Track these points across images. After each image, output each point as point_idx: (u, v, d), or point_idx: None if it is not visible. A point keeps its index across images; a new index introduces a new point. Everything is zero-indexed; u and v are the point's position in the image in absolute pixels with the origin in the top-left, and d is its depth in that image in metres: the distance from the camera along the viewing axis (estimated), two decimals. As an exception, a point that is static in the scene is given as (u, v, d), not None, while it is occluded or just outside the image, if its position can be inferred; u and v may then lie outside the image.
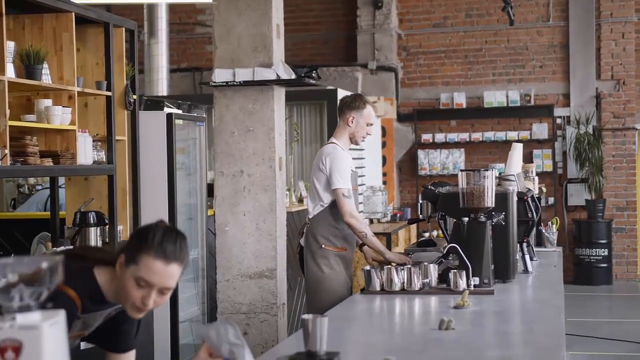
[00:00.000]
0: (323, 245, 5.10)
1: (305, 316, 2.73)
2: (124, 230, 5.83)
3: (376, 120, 5.40)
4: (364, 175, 10.28)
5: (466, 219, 4.31)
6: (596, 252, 12.09)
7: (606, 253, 12.11)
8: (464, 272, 4.13)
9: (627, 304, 11.04)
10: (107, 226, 5.56)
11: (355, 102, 5.22)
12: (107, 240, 5.58)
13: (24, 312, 1.75)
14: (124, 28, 5.85)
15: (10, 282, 1.75)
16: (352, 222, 5.00)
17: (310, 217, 5.21)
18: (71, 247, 5.11)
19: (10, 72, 4.64)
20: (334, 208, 5.08)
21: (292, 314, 7.17)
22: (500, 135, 12.50)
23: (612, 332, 8.87)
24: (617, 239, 12.40)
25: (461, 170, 4.38)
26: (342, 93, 9.78)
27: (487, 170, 4.35)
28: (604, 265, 12.13)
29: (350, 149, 5.30)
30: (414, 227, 10.93)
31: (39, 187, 8.42)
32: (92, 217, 5.40)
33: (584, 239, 12.16)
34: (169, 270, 2.55)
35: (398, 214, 10.75)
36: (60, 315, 1.78)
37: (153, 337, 5.73)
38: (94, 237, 5.38)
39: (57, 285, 2.38)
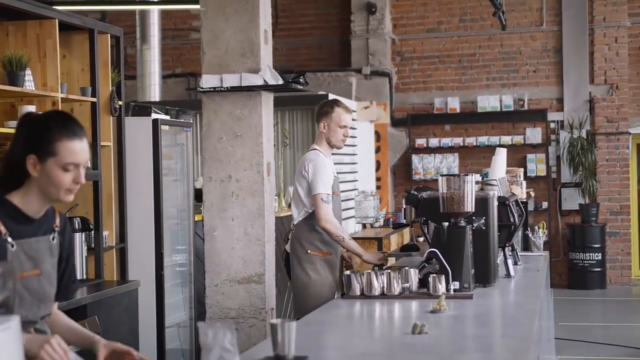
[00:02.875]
0: (309, 251, 5.16)
1: (274, 321, 2.75)
2: (109, 236, 5.85)
3: (350, 121, 5.43)
4: (357, 180, 10.30)
5: (446, 223, 4.32)
6: (590, 256, 12.09)
7: (600, 257, 12.12)
8: (444, 276, 4.14)
9: (620, 308, 11.03)
10: (92, 232, 5.58)
11: (324, 107, 5.31)
12: (92, 245, 5.59)
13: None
14: (109, 34, 5.87)
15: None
16: (327, 227, 5.07)
17: (295, 222, 5.28)
18: None
19: (-8, 78, 4.67)
20: None
21: (281, 318, 7.17)
22: (494, 139, 12.51)
23: (606, 337, 8.88)
24: (610, 243, 12.41)
25: (441, 175, 4.40)
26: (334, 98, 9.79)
27: (467, 175, 4.36)
28: (598, 269, 12.13)
29: (340, 154, 5.36)
30: (407, 231, 10.93)
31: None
32: (77, 223, 5.40)
33: (578, 243, 12.17)
34: (85, 146, 2.70)
35: (391, 219, 10.75)
36: (14, 321, 1.80)
37: (139, 342, 5.74)
38: (79, 242, 5.39)
39: None
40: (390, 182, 12.82)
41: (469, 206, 4.31)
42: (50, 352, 2.55)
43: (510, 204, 4.94)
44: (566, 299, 11.26)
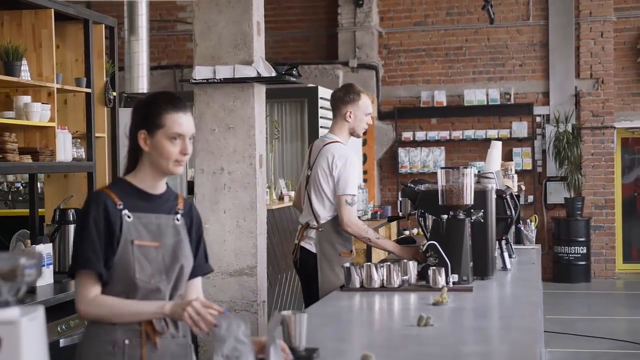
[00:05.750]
0: (341, 253, 4.93)
1: (285, 313, 2.74)
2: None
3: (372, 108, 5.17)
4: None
5: (445, 216, 4.33)
6: (575, 249, 12.17)
7: (585, 251, 12.20)
8: (443, 269, 4.15)
9: (605, 301, 11.12)
10: (86, 223, 5.54)
11: (349, 95, 4.96)
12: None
13: (3, 308, 1.75)
14: (103, 25, 5.83)
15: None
16: (350, 232, 4.83)
17: (321, 221, 4.93)
18: None
19: (-12, 68, 4.63)
20: None
21: (273, 311, 7.17)
22: (481, 133, 12.56)
23: (591, 329, 8.94)
24: (595, 237, 12.49)
25: (441, 168, 4.40)
26: (322, 91, 9.78)
27: (467, 168, 4.37)
28: (583, 262, 12.22)
29: None
30: (394, 224, 10.96)
31: (18, 185, 8.37)
32: (71, 215, 5.36)
33: (563, 236, 12.25)
34: (189, 118, 2.87)
35: (379, 212, 10.79)
36: (39, 312, 1.78)
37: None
38: (72, 234, 5.34)
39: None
40: (377, 175, 12.84)
41: (468, 199, 4.33)
42: (192, 314, 2.69)
43: (507, 197, 4.96)
44: (551, 292, 11.32)
